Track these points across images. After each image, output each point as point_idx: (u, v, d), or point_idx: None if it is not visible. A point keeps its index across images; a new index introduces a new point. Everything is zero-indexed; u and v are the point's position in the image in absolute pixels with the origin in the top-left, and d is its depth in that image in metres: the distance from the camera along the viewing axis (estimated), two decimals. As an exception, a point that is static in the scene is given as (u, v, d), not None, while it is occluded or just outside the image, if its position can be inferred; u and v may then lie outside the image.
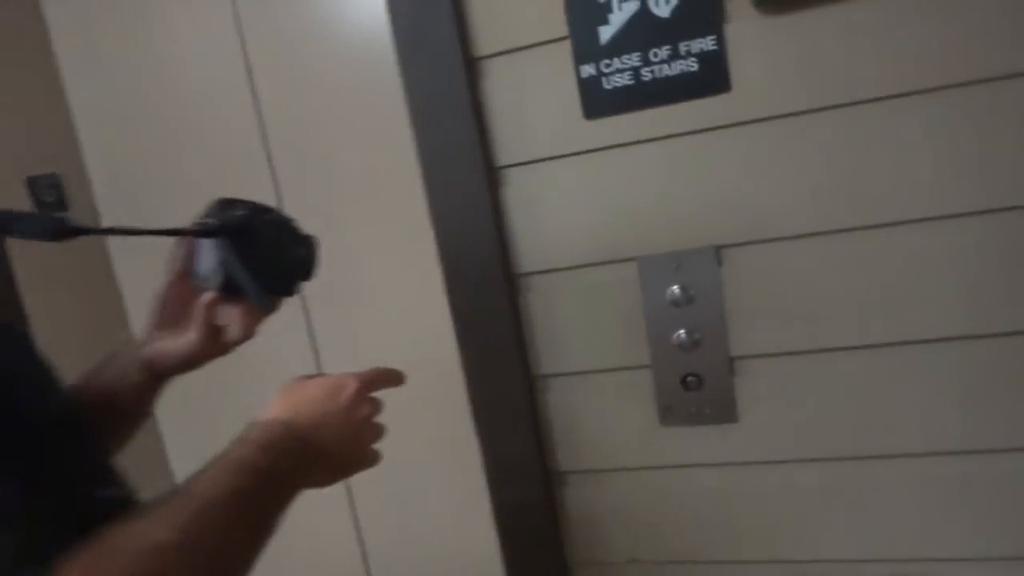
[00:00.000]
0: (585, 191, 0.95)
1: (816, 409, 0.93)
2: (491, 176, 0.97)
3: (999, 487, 0.90)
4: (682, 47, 0.88)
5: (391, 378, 0.69)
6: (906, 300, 0.87)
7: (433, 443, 1.15)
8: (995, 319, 0.85)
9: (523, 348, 1.01)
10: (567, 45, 0.92)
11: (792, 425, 0.94)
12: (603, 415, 1.01)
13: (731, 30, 0.86)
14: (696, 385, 0.96)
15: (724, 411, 0.96)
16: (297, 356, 1.19)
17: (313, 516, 1.24)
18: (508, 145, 0.96)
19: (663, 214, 0.93)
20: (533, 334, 1.01)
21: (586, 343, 0.99)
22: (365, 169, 1.10)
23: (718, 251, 0.92)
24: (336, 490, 1.19)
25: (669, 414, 0.98)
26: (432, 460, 1.16)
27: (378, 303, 1.13)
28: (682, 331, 0.95)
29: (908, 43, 0.82)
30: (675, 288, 0.94)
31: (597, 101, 0.92)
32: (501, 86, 0.95)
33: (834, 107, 0.85)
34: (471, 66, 0.95)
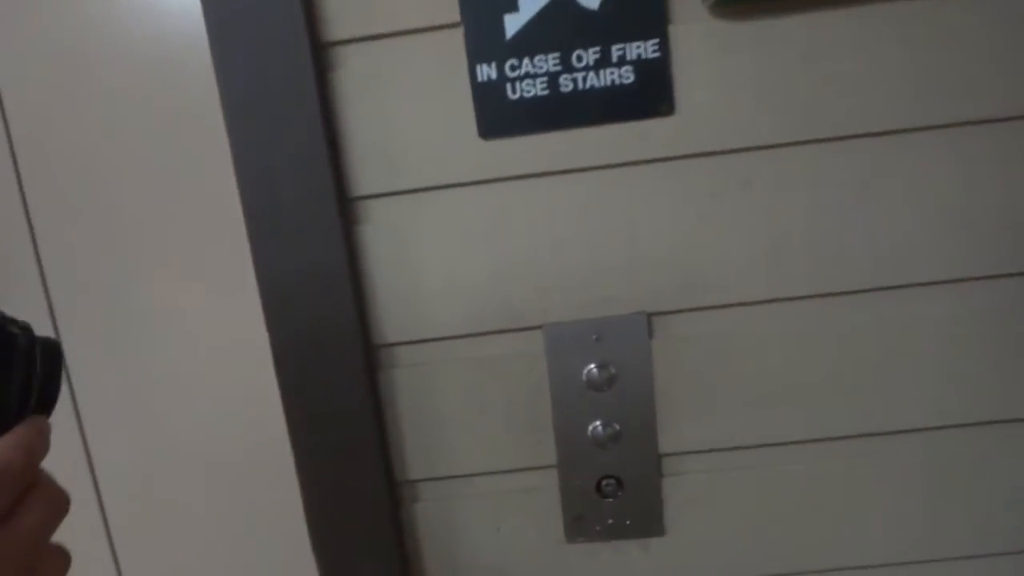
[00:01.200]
0: (476, 235, 0.70)
1: (762, 517, 0.74)
2: (345, 208, 0.69)
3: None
4: (615, 51, 0.66)
5: (35, 445, 0.35)
6: (873, 384, 0.71)
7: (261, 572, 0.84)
8: (975, 407, 0.71)
9: (385, 444, 0.74)
10: (459, 35, 0.67)
11: (731, 538, 0.75)
12: (492, 531, 0.76)
13: (677, 34, 0.66)
14: (614, 490, 0.74)
15: (648, 522, 0.75)
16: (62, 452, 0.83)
17: None
18: (370, 168, 0.69)
19: (580, 270, 0.70)
20: (399, 425, 0.74)
21: (471, 437, 0.74)
22: (165, 191, 0.77)
23: (650, 319, 0.71)
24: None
25: (579, 528, 0.75)
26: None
27: (182, 382, 0.80)
28: (599, 422, 0.73)
29: (892, 73, 0.65)
30: (592, 367, 0.71)
31: (498, 115, 0.67)
32: (362, 85, 0.68)
33: (799, 143, 0.67)
34: (320, 54, 0.67)
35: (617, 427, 0.72)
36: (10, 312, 0.36)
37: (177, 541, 0.83)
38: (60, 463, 0.85)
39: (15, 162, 0.77)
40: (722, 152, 0.67)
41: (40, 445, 0.35)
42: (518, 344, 0.72)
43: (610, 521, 0.75)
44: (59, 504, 0.36)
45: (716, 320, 0.71)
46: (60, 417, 0.79)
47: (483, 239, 0.70)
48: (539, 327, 0.71)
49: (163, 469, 0.82)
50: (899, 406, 0.71)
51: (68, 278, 0.78)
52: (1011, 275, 0.68)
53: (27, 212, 0.77)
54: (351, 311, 0.70)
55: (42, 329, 0.73)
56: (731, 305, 0.70)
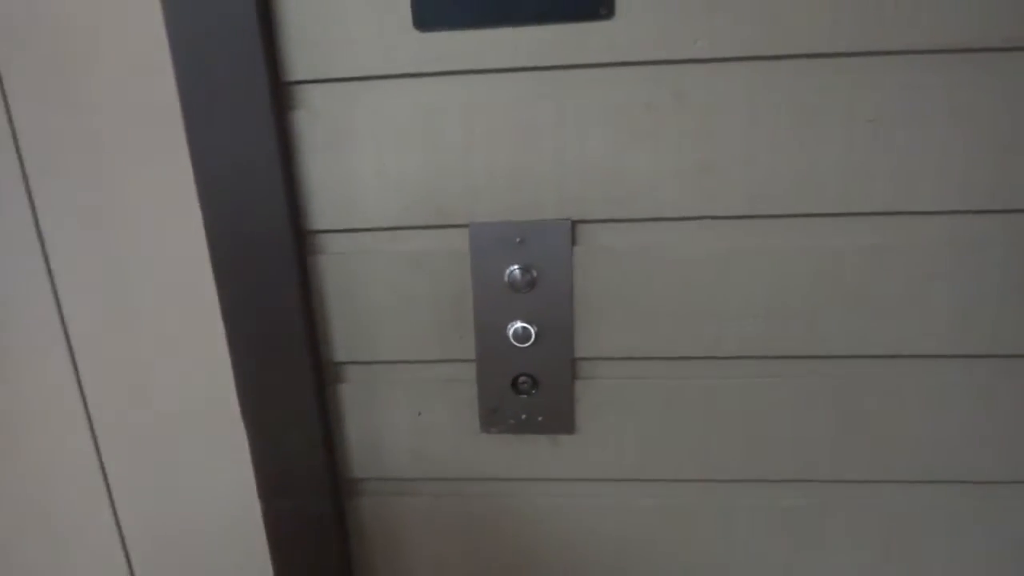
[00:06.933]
0: (407, 128, 0.70)
1: (666, 426, 0.78)
2: (278, 92, 0.69)
3: (858, 519, 0.80)
4: (555, -54, 0.64)
5: None
6: (789, 307, 0.72)
7: (198, 440, 0.89)
8: (892, 340, 0.73)
9: (312, 326, 0.77)
10: (396, -83, 0.65)
11: (636, 442, 0.78)
12: (412, 415, 0.80)
13: (622, -68, 0.63)
14: (529, 388, 0.77)
15: (559, 420, 0.78)
16: (46, 341, 0.87)
17: (71, 521, 0.96)
18: (305, 54, 0.68)
19: (509, 172, 0.70)
20: (327, 310, 0.77)
21: (396, 326, 0.76)
22: (112, 85, 0.77)
23: (574, 227, 0.72)
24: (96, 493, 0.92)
25: (494, 419, 0.79)
26: (198, 460, 0.90)
27: (133, 266, 0.82)
28: (519, 322, 0.75)
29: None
30: (515, 268, 0.73)
31: (434, 7, 0.66)
32: (299, -37, 0.66)
33: (740, 59, 0.65)
34: (255, -73, 0.65)
35: (535, 328, 0.74)
36: None
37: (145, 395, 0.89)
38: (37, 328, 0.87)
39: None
40: (660, 62, 0.66)
41: None
42: (444, 241, 0.73)
43: (523, 416, 0.78)
44: None
45: (640, 233, 0.71)
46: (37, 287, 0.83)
47: (414, 133, 0.70)
48: (465, 226, 0.72)
49: (130, 333, 0.86)
50: (815, 333, 0.73)
51: (45, 165, 0.79)
52: (938, 213, 0.68)
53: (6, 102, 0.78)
54: (282, 195, 0.71)
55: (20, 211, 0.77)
56: (657, 219, 0.70)
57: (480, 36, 0.66)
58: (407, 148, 0.70)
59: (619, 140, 0.68)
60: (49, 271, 0.83)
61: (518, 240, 0.72)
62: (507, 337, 0.75)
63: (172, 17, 0.67)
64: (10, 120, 0.78)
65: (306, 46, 0.68)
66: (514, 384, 0.77)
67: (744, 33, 0.64)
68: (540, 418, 0.78)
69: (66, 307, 0.85)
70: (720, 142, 0.67)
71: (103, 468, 0.92)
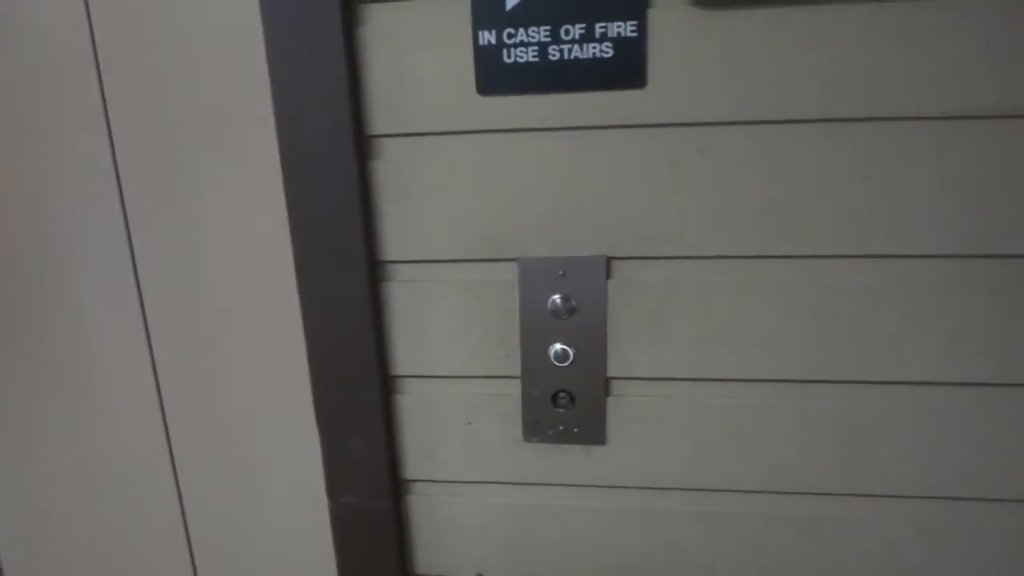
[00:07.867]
0: (468, 176, 0.82)
1: (689, 440, 0.88)
2: (360, 144, 0.82)
3: (865, 533, 0.89)
4: (598, 28, 0.76)
5: None
6: (797, 338, 0.82)
7: (272, 438, 1.02)
8: (885, 368, 0.82)
9: (381, 343, 0.89)
10: (466, 4, 0.77)
11: (661, 453, 0.89)
12: (463, 424, 0.91)
13: (655, 17, 0.75)
14: (567, 403, 0.88)
15: (593, 432, 0.89)
16: (127, 340, 1.01)
17: (139, 510, 1.09)
18: (385, 112, 0.81)
19: (553, 214, 0.82)
20: (393, 330, 0.89)
21: (451, 345, 0.88)
22: (212, 121, 0.91)
23: (609, 262, 0.83)
24: (164, 484, 1.05)
25: (535, 430, 0.90)
26: (271, 457, 1.03)
27: (220, 280, 0.96)
28: (559, 344, 0.86)
29: (843, 68, 0.74)
30: (557, 297, 0.84)
31: (494, 76, 0.79)
32: (382, 38, 0.79)
33: (754, 123, 0.77)
34: (349, 11, 0.79)
35: (573, 350, 0.85)
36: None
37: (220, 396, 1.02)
38: (120, 323, 1.01)
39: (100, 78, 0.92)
40: (684, 124, 0.77)
41: None
42: (496, 272, 0.85)
43: (561, 427, 0.89)
44: None
45: (666, 269, 0.82)
46: (129, 330, 0.97)
47: (474, 181, 0.82)
48: (515, 259, 0.84)
49: (215, 354, 0.99)
50: (819, 360, 0.83)
51: (144, 199, 0.94)
52: (925, 256, 0.78)
53: (108, 126, 0.92)
54: (361, 231, 0.84)
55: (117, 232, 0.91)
56: (680, 258, 0.82)
57: (532, 100, 0.79)
58: (467, 193, 0.83)
59: (648, 190, 0.80)
60: (141, 304, 0.98)
61: (560, 273, 0.83)
62: (548, 357, 0.86)
63: (276, 79, 0.81)
64: (115, 165, 0.93)
65: (386, 106, 0.81)
66: (553, 399, 0.88)
67: (757, 101, 0.75)
68: (576, 430, 0.89)
69: (151, 318, 0.99)
70: (736, 193, 0.78)
71: (175, 472, 1.05)
